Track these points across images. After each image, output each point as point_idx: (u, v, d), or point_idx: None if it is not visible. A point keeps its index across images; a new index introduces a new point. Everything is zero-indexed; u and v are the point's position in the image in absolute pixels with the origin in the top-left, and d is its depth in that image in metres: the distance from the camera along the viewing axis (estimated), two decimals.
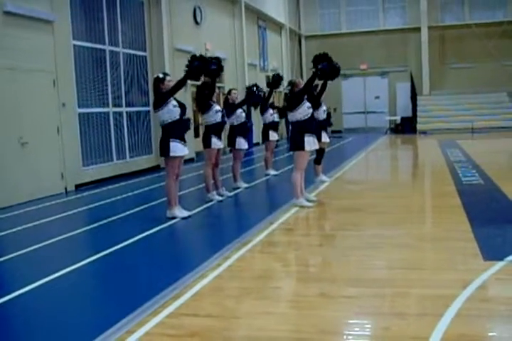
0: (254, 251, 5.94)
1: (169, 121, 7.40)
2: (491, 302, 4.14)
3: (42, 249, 6.34)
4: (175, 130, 7.43)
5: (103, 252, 5.98)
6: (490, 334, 3.68)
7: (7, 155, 9.35)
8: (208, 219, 8.06)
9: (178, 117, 7.45)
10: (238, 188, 10.07)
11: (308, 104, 7.98)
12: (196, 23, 16.74)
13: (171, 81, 7.49)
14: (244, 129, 10.04)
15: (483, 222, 6.75)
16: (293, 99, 7.96)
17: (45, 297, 4.74)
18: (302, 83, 8.15)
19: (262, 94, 10.62)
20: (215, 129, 8.80)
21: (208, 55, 17.12)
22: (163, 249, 6.36)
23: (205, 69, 7.77)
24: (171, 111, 7.38)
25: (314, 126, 8.19)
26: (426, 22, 27.64)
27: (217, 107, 8.92)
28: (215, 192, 9.08)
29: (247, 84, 10.27)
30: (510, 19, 26.97)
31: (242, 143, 9.84)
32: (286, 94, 8.16)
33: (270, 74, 23.97)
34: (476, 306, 4.03)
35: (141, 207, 8.72)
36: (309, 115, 7.97)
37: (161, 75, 7.55)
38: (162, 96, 7.39)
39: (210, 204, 8.74)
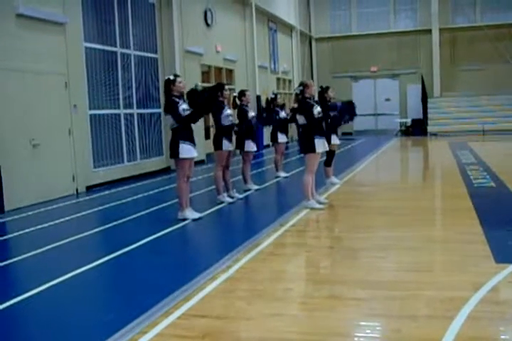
0: (265, 253, 5.94)
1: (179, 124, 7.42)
2: (503, 305, 4.12)
3: (53, 250, 6.37)
4: (185, 132, 7.45)
5: (114, 253, 6.00)
6: (502, 337, 3.67)
7: (19, 157, 9.40)
8: (218, 220, 8.07)
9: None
10: (249, 190, 10.07)
11: (318, 109, 7.97)
12: (207, 24, 16.78)
13: (181, 82, 7.50)
14: (253, 132, 10.02)
15: (495, 225, 6.72)
16: (303, 105, 7.97)
17: (57, 298, 4.76)
18: (314, 85, 8.17)
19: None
20: (226, 131, 8.83)
21: (219, 56, 17.23)
22: (174, 251, 6.39)
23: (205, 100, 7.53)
24: (181, 114, 7.38)
25: (324, 128, 8.19)
26: (437, 24, 27.53)
27: (229, 110, 8.95)
28: (225, 194, 9.09)
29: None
30: None
31: (250, 146, 9.84)
32: (297, 94, 8.13)
33: (281, 76, 24.10)
34: (488, 309, 4.02)
35: (152, 209, 8.74)
36: (319, 118, 7.98)
37: (171, 77, 7.56)
38: (173, 103, 7.38)
39: (220, 206, 8.76)
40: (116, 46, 12.49)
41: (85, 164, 11.24)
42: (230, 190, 9.31)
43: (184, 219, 7.59)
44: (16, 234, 7.43)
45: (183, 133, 7.44)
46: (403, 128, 26.97)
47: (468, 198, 8.58)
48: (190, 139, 7.51)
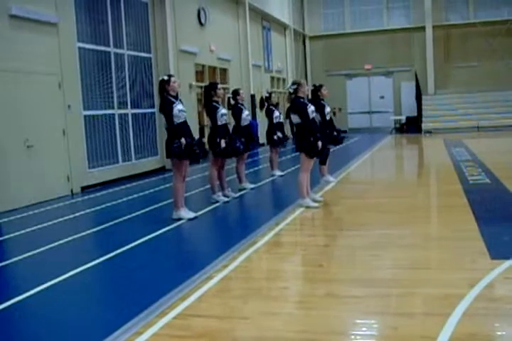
0: (261, 251, 5.94)
1: (175, 123, 7.40)
2: (499, 302, 4.12)
3: (49, 251, 6.35)
4: (181, 131, 7.43)
5: (110, 254, 5.99)
6: (498, 333, 3.67)
7: (13, 158, 9.37)
8: (214, 220, 8.06)
9: (184, 120, 7.45)
10: (244, 189, 10.06)
11: (312, 108, 7.97)
12: (200, 24, 16.76)
13: (175, 82, 7.49)
14: (247, 131, 9.97)
15: (490, 221, 6.73)
16: (297, 105, 7.95)
17: (52, 299, 4.75)
18: (306, 86, 8.15)
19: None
20: (221, 131, 8.81)
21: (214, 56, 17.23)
22: (169, 251, 6.38)
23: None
24: (176, 115, 7.38)
25: (318, 127, 8.19)
26: (430, 21, 27.55)
27: (224, 110, 8.93)
28: (220, 193, 9.09)
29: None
30: None
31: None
32: (290, 92, 8.10)
33: (275, 74, 24.11)
34: (484, 305, 4.02)
35: (147, 209, 8.72)
36: (313, 117, 7.98)
37: (165, 77, 7.55)
38: (169, 103, 7.36)
39: (216, 205, 8.75)
40: (109, 46, 12.46)
41: (80, 165, 11.22)
42: (225, 189, 9.30)
43: (179, 219, 7.58)
44: (11, 235, 7.41)
45: (180, 132, 7.40)
46: (397, 125, 27.02)
47: (464, 195, 8.58)
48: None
